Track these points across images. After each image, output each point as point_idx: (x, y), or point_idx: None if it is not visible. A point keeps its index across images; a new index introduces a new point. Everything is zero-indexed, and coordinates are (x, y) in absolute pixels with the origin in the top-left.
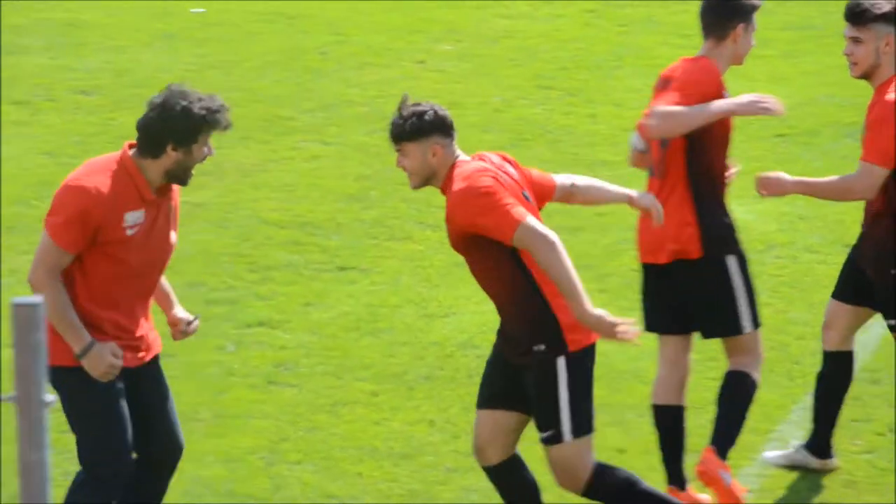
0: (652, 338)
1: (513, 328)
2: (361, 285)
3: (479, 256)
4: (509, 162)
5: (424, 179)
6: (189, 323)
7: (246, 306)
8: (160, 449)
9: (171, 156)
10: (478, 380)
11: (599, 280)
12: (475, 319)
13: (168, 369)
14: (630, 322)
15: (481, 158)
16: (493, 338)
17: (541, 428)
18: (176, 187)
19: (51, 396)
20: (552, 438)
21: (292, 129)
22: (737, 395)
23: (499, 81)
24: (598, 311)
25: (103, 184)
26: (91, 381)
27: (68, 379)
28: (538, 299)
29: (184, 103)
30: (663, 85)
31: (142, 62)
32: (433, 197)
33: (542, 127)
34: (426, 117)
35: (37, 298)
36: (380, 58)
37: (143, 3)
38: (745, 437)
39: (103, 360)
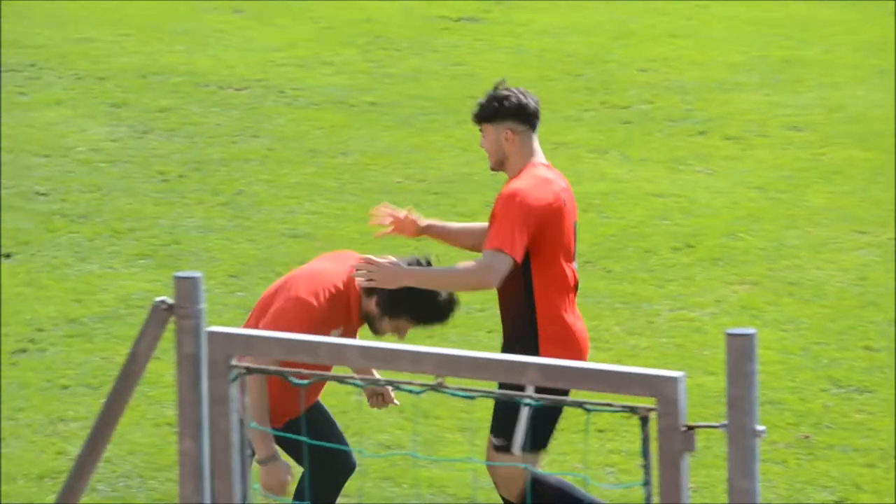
0: None
1: (504, 331)
2: None
3: None
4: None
5: (498, 162)
6: None
7: None
8: None
9: (369, 305)
10: None
11: None
12: None
13: (867, 405)
14: None
15: (550, 169)
16: None
17: (493, 432)
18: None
19: (761, 426)
20: (503, 447)
21: None
22: None
23: None
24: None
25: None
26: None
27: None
28: (529, 314)
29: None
30: None
31: (856, 98)
32: None
33: None
34: (505, 102)
35: (751, 330)
36: None
37: (858, 39)
38: None
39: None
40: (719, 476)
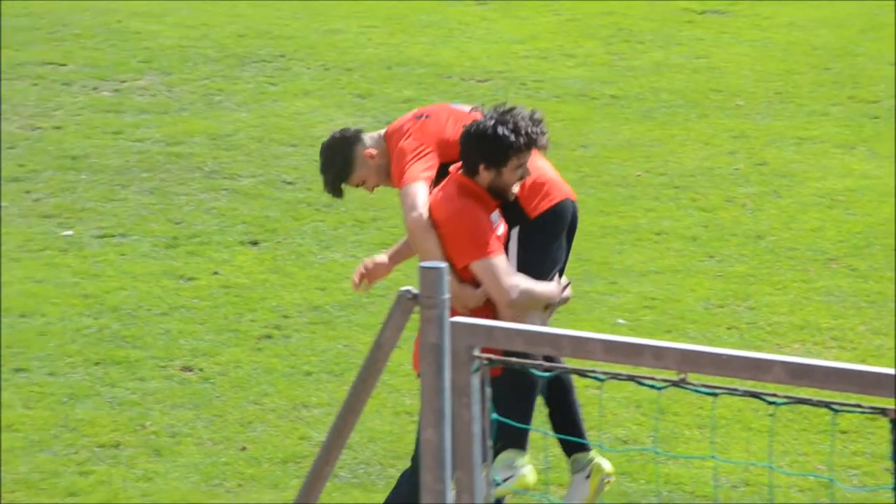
0: None
1: None
2: None
3: None
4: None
5: (387, 177)
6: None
7: None
8: None
9: (484, 176)
10: None
11: None
12: None
13: None
14: None
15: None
16: None
17: None
18: None
19: None
20: None
21: None
22: None
23: None
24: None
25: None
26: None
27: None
28: None
29: (494, 123)
30: None
31: None
32: None
33: None
34: (336, 160)
35: None
36: None
37: None
38: None
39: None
40: None
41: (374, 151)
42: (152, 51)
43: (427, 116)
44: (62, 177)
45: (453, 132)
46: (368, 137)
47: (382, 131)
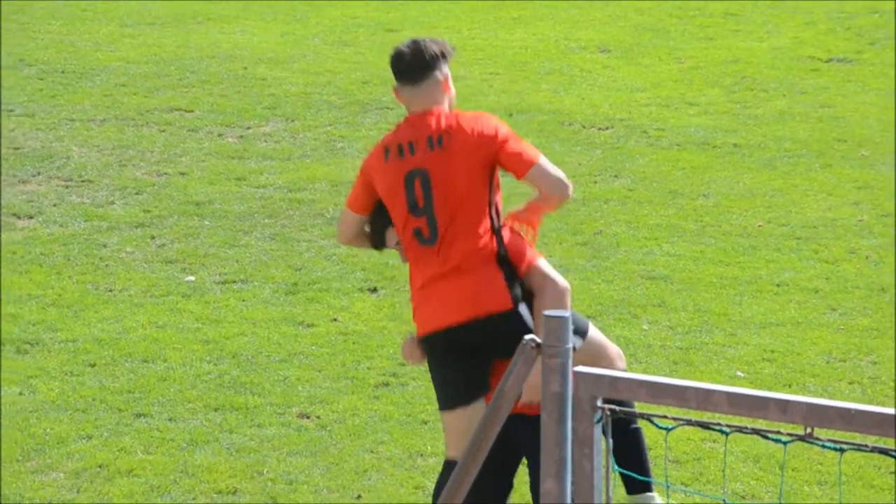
0: None
1: None
2: None
3: None
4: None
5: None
6: None
7: None
8: None
9: None
10: None
11: None
12: None
13: None
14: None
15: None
16: None
17: None
18: None
19: None
20: None
21: None
22: None
23: None
24: None
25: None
26: None
27: None
28: None
29: None
30: None
31: None
32: None
33: None
34: (431, 53)
35: None
36: None
37: None
38: None
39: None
40: None
41: (450, 88)
42: (277, 97)
43: (380, 159)
44: (186, 223)
45: None
46: (403, 89)
47: (451, 95)
